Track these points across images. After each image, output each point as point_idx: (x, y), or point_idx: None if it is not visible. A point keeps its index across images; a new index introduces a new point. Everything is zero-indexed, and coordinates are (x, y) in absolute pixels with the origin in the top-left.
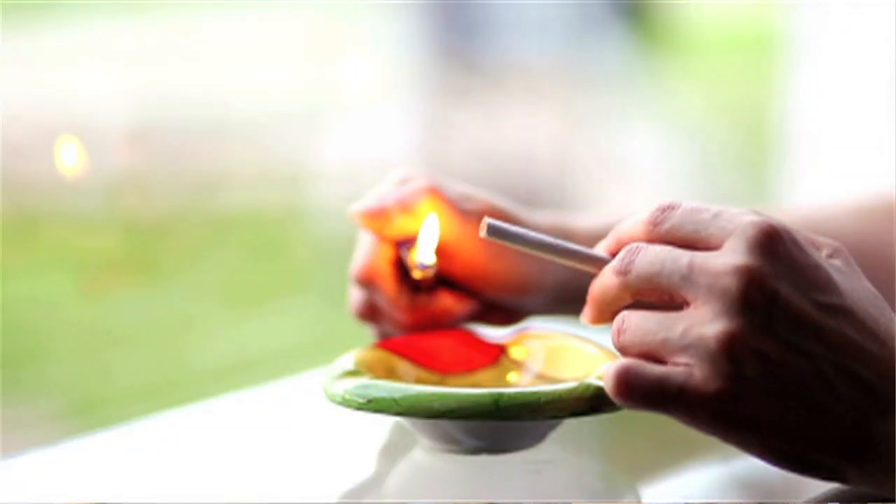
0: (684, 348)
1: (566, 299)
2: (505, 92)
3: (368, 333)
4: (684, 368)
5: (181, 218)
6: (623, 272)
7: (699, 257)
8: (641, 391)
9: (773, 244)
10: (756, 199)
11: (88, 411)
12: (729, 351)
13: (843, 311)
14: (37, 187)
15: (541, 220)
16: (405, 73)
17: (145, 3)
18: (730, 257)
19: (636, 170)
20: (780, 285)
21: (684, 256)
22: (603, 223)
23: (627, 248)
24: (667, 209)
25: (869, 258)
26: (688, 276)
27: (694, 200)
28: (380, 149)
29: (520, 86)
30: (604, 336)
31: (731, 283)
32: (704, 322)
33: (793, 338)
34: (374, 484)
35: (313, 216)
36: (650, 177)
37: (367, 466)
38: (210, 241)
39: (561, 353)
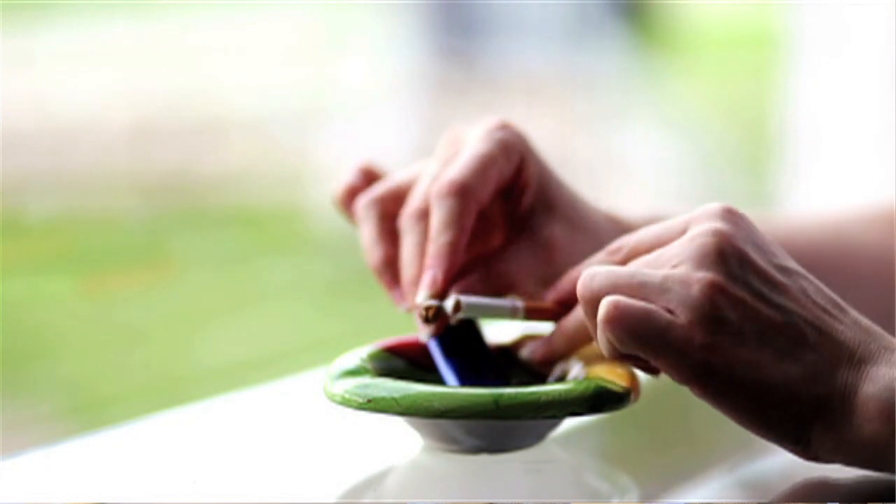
0: (664, 292)
1: None
2: (505, 92)
3: (368, 334)
4: (667, 313)
5: (181, 217)
6: (592, 290)
7: (666, 247)
8: (631, 321)
9: (734, 214)
10: (756, 198)
11: (89, 411)
12: (712, 296)
13: (803, 276)
14: (37, 187)
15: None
16: (405, 73)
17: (145, 3)
18: (699, 227)
19: (637, 170)
20: (747, 247)
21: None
22: (650, 213)
23: (584, 274)
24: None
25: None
26: (658, 257)
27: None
28: (379, 148)
29: (519, 86)
30: None
31: (706, 241)
32: (684, 272)
33: (765, 290)
34: (374, 484)
35: (313, 215)
36: (651, 177)
37: (367, 466)
38: (210, 241)
39: None
